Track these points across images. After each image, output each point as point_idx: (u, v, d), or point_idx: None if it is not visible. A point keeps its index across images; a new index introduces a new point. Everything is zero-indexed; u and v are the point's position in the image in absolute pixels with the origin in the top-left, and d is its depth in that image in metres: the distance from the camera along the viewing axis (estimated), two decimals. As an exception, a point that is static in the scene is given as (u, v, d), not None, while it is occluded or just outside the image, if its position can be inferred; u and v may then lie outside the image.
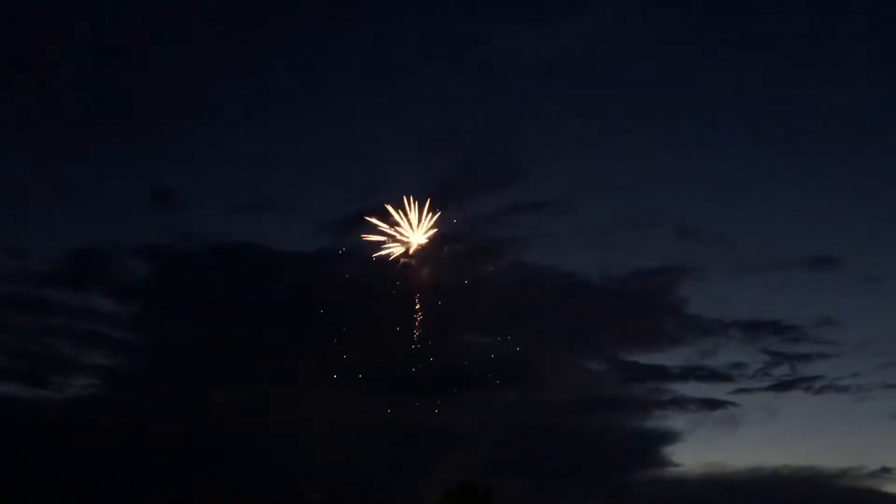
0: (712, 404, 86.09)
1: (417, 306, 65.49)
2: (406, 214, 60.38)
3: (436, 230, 60.37)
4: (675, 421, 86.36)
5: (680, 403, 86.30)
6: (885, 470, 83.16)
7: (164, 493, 69.13)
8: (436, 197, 60.99)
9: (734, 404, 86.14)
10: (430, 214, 60.29)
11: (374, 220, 60.50)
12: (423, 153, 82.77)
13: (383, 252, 61.08)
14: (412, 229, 60.44)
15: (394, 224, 60.45)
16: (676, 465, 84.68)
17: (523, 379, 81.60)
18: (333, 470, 71.63)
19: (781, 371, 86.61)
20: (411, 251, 61.04)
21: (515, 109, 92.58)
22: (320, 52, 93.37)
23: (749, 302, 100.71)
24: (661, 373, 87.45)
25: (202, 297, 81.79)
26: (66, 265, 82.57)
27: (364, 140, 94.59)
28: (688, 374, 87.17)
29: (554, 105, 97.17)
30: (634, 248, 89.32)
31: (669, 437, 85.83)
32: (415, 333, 69.01)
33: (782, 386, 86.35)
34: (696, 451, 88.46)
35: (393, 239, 60.82)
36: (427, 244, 61.06)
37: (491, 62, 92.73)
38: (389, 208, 60.43)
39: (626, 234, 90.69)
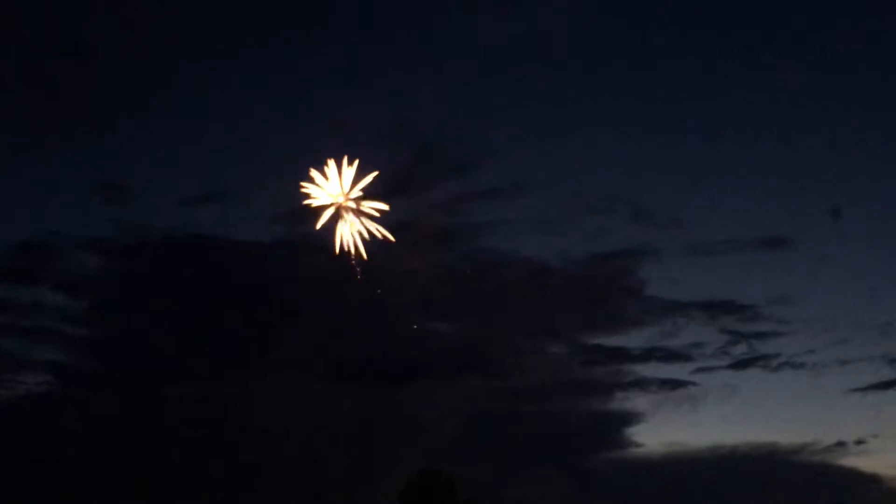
0: (673, 384, 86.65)
1: (378, 292, 64.25)
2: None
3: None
4: (636, 402, 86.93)
5: (641, 385, 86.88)
6: (841, 444, 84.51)
7: (119, 491, 67.96)
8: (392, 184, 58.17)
9: (694, 384, 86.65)
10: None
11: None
12: (377, 141, 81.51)
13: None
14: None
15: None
16: (639, 445, 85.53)
17: (485, 365, 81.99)
18: (292, 461, 70.99)
19: (739, 350, 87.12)
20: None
21: (470, 96, 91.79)
22: (268, 41, 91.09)
23: (705, 282, 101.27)
24: (623, 355, 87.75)
25: (155, 289, 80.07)
26: (13, 260, 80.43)
27: (317, 129, 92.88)
28: (648, 355, 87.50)
29: (509, 91, 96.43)
30: (592, 232, 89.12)
31: (632, 418, 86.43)
32: (374, 322, 68.46)
33: (740, 364, 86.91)
34: (657, 432, 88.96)
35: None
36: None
37: (445, 49, 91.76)
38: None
39: (583, 218, 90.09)
